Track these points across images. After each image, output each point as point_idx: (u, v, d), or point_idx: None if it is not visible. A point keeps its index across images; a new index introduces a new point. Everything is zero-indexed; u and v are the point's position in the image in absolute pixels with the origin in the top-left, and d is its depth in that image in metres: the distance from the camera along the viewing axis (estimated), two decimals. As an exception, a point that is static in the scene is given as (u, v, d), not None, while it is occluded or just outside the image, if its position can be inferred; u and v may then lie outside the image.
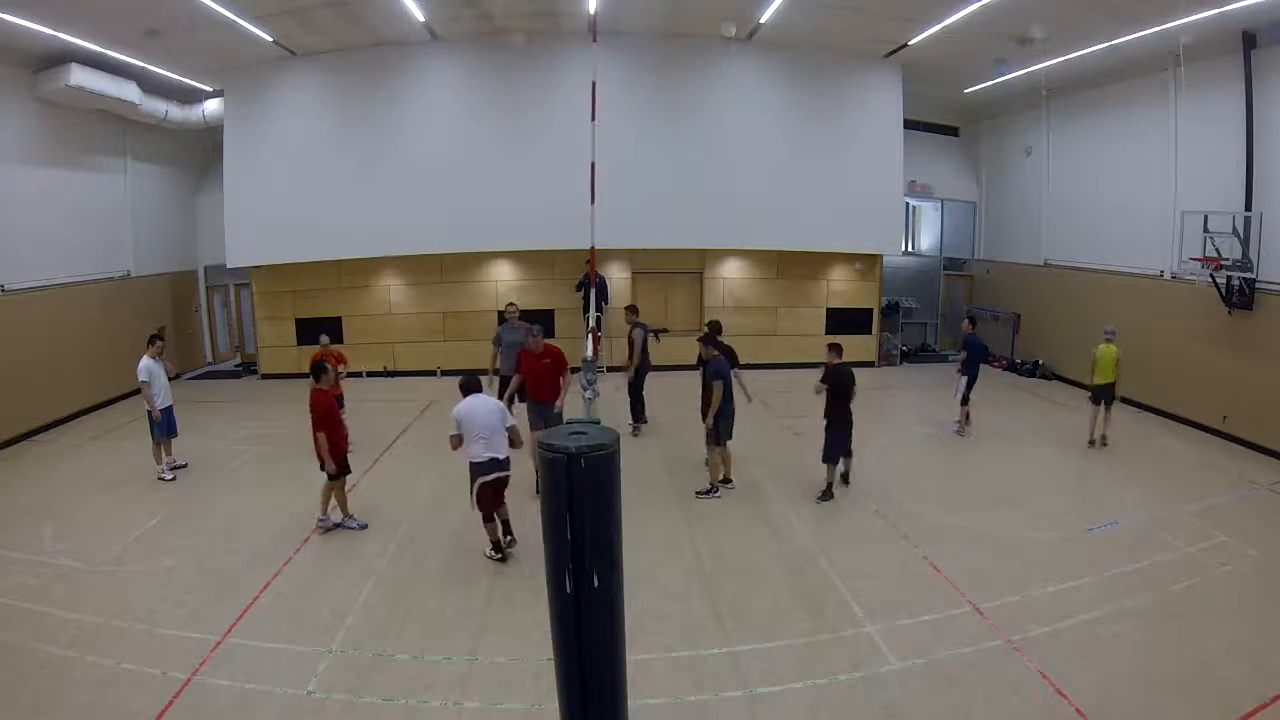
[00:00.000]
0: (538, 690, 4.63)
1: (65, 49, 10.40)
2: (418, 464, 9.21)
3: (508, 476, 6.31)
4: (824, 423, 7.92)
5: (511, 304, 10.44)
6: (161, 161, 14.16)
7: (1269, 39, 9.53)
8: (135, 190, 13.39)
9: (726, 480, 8.27)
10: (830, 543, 6.88)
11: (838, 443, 7.91)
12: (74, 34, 10.02)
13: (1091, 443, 9.95)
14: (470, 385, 6.45)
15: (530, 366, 7.80)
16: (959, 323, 16.93)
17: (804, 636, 5.35)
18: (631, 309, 10.74)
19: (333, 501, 7.20)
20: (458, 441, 6.21)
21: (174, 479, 8.57)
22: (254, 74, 12.63)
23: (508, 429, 6.22)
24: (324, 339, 10.10)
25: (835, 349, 8.15)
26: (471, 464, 6.20)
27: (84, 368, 11.60)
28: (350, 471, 7.31)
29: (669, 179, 12.84)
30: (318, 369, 7.00)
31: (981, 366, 10.56)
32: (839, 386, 7.84)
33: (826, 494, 7.97)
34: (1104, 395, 9.91)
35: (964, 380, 10.22)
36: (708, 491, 8.10)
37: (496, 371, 9.80)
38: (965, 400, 10.31)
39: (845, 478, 8.41)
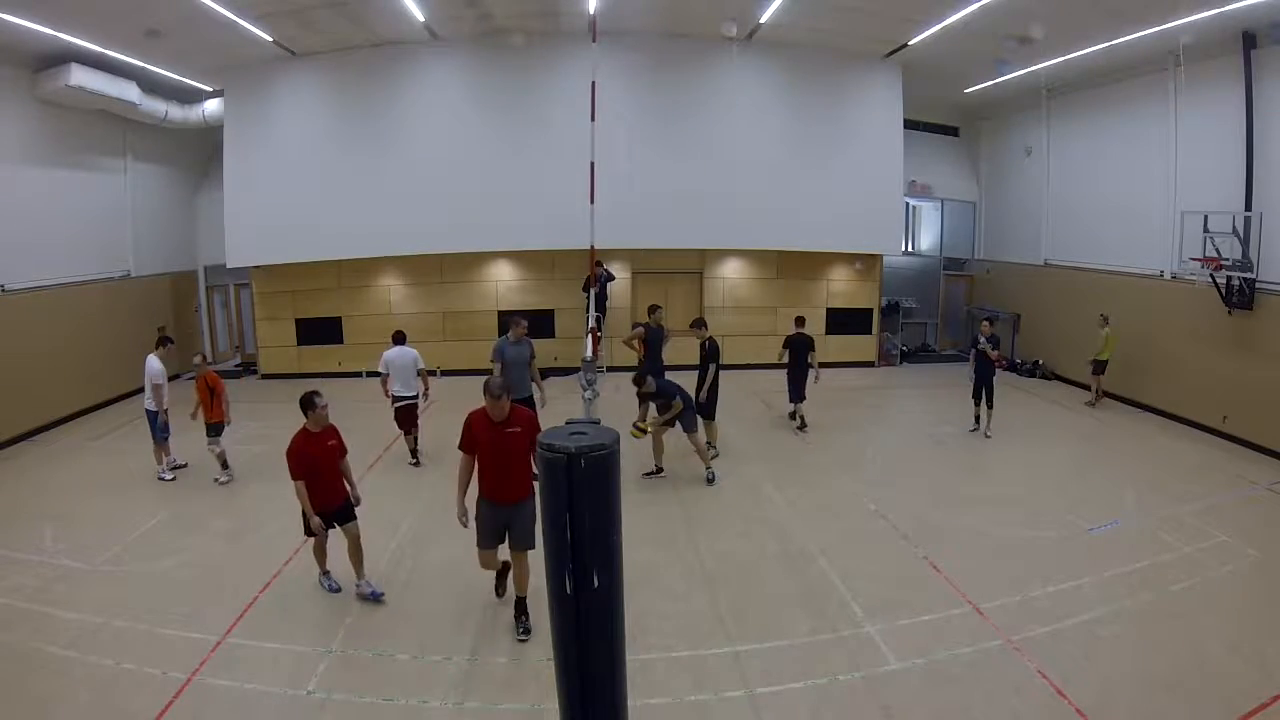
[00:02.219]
0: (538, 690, 4.63)
1: (65, 49, 10.40)
2: (418, 463, 9.20)
3: (414, 405, 8.91)
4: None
5: (520, 322, 8.37)
6: (161, 161, 14.16)
7: (1269, 39, 9.53)
8: (135, 190, 13.39)
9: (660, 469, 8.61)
10: (830, 543, 6.88)
11: (790, 385, 10.56)
12: (74, 34, 10.02)
13: (1091, 404, 12.15)
14: (399, 337, 9.09)
15: (487, 439, 5.01)
16: (958, 323, 17.11)
17: (804, 636, 5.35)
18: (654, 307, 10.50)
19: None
20: (387, 381, 8.78)
21: (174, 479, 8.57)
22: (254, 74, 12.63)
23: (419, 372, 8.89)
24: (197, 359, 8.42)
25: (798, 320, 10.81)
26: (393, 396, 8.80)
27: (84, 368, 11.59)
28: (332, 526, 5.79)
29: (669, 179, 12.82)
30: (307, 402, 5.81)
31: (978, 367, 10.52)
32: (793, 350, 10.38)
33: (791, 416, 10.82)
34: (1103, 368, 11.92)
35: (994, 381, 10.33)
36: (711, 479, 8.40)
37: None
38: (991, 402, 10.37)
39: (802, 423, 10.60)
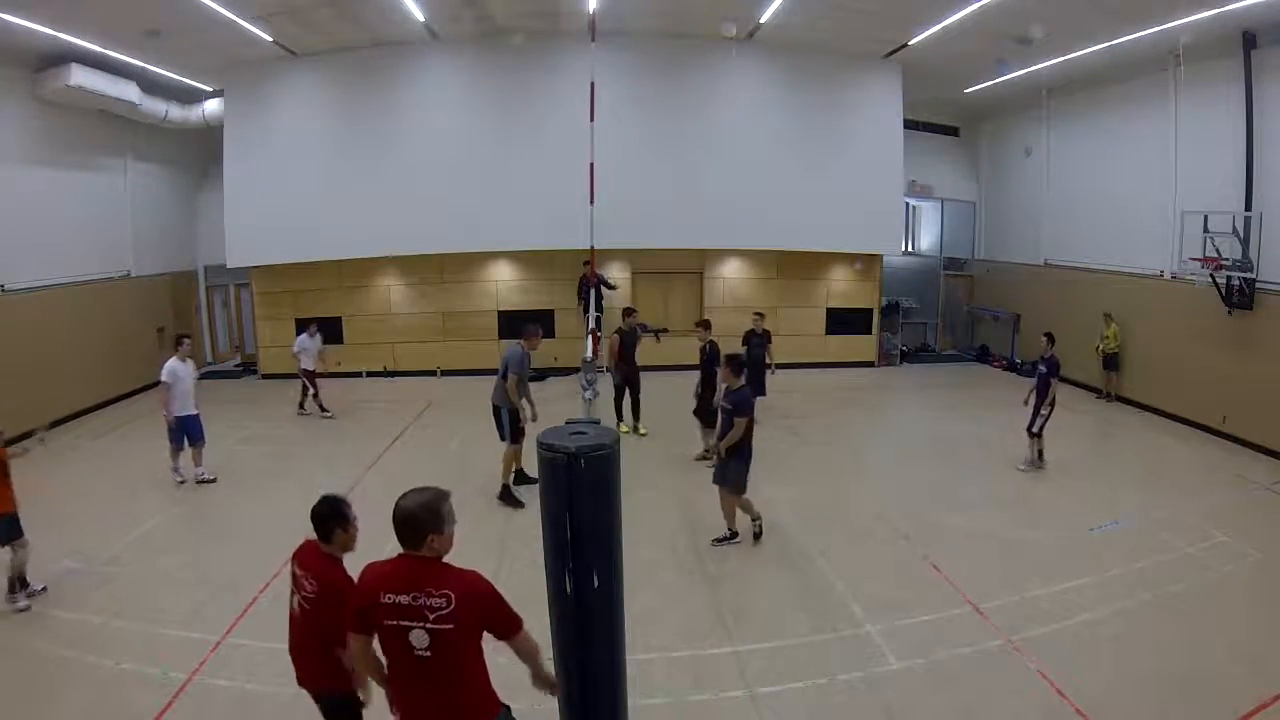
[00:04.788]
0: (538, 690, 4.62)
1: (65, 49, 10.40)
2: (418, 463, 9.21)
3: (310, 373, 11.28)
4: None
5: (535, 329, 8.06)
6: (161, 161, 14.15)
7: (1269, 39, 9.53)
8: (135, 190, 13.38)
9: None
10: (830, 543, 6.88)
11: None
12: (74, 34, 10.01)
13: (1105, 398, 12.30)
14: (323, 324, 11.71)
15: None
16: (958, 323, 17.12)
17: (804, 636, 5.34)
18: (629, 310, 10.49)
19: None
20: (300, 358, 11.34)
21: (183, 482, 8.31)
22: (254, 74, 12.62)
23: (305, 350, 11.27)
24: None
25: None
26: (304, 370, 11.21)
27: (84, 368, 11.59)
28: None
29: (669, 179, 12.83)
30: (331, 513, 3.52)
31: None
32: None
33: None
34: (1113, 361, 12.18)
35: (1047, 411, 8.74)
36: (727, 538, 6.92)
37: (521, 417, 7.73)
38: (1040, 431, 8.84)
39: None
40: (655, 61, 12.83)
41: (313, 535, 3.58)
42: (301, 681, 3.56)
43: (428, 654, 2.64)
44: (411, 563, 2.70)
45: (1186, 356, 10.98)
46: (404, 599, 2.64)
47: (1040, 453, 8.93)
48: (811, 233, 13.67)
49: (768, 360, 10.64)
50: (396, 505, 2.68)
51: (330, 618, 3.26)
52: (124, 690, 4.69)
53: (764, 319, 10.99)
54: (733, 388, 6.64)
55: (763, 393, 10.35)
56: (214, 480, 8.50)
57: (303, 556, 3.62)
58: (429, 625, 2.62)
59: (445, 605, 2.61)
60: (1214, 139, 10.40)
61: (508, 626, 2.70)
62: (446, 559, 2.74)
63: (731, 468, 6.60)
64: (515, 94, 12.77)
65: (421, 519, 2.65)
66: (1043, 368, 8.86)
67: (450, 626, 2.61)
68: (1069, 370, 13.61)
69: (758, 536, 6.84)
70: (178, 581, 6.14)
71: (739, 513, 6.80)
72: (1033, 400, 8.92)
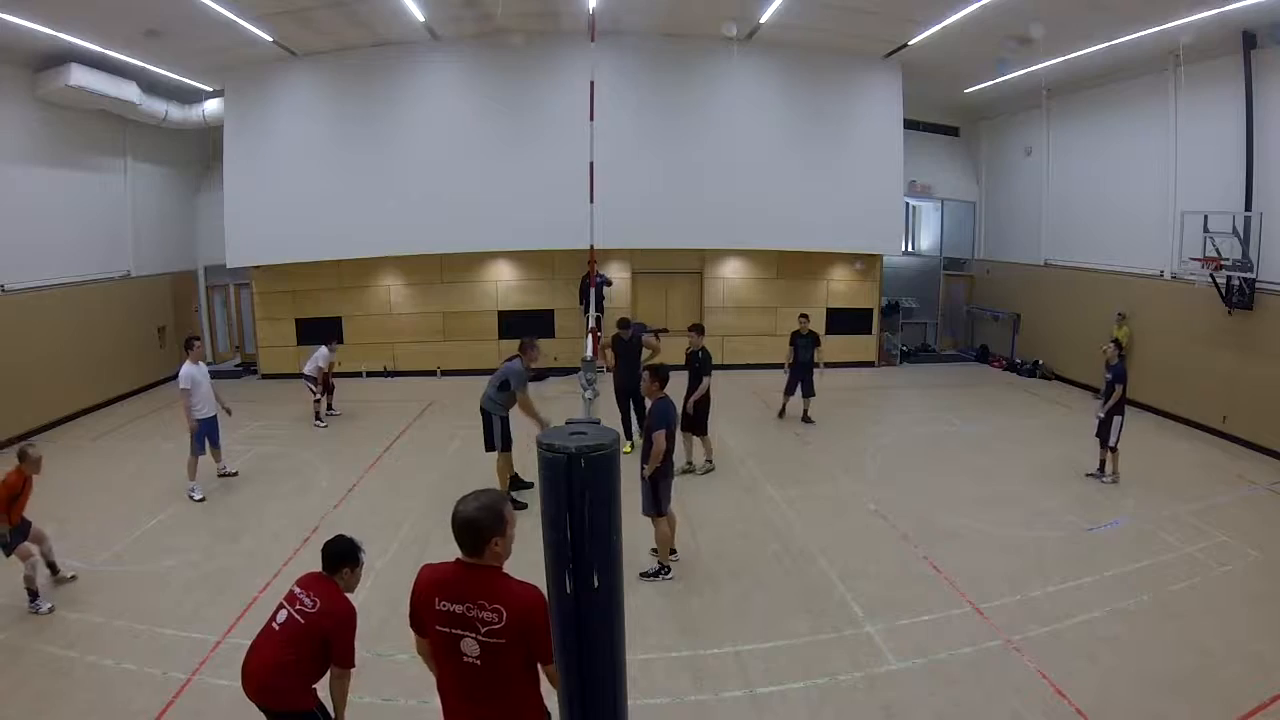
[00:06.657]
0: (538, 690, 4.62)
1: (65, 49, 10.40)
2: (419, 463, 9.22)
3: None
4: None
5: (532, 342, 7.84)
6: (161, 161, 14.15)
7: (1269, 39, 9.53)
8: (135, 190, 13.38)
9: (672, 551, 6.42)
10: (830, 543, 6.88)
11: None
12: (74, 34, 10.02)
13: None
14: (323, 324, 11.80)
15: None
16: (958, 323, 17.12)
17: (804, 636, 5.35)
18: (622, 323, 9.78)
19: None
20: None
21: (203, 499, 7.94)
22: (254, 74, 12.63)
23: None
24: (30, 451, 5.86)
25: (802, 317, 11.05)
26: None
27: (84, 368, 11.60)
28: None
29: (669, 179, 12.83)
30: (346, 552, 3.59)
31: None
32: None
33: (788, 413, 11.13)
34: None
35: (1118, 420, 8.38)
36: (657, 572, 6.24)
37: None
38: (1115, 445, 8.49)
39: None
40: (655, 61, 12.83)
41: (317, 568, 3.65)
42: (260, 697, 3.45)
43: (477, 662, 2.61)
44: (468, 571, 2.62)
45: (1187, 356, 10.99)
46: (457, 608, 2.60)
47: (1112, 464, 8.59)
48: (811, 233, 13.67)
49: (816, 360, 10.88)
50: (455, 512, 2.56)
51: (318, 638, 3.42)
52: (124, 690, 4.70)
53: (809, 321, 11.14)
54: (653, 399, 6.02)
55: (812, 392, 10.92)
56: (235, 474, 8.60)
57: (307, 580, 3.62)
58: (480, 637, 2.58)
59: (497, 620, 2.56)
60: (1214, 139, 10.40)
61: (550, 653, 2.42)
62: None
63: (644, 489, 6.05)
64: (515, 94, 12.77)
65: (484, 523, 2.54)
66: (1108, 375, 8.54)
67: (501, 641, 2.57)
68: (1068, 370, 13.73)
69: (662, 572, 6.16)
70: (178, 581, 6.15)
71: (671, 537, 6.21)
72: (1102, 412, 8.52)
